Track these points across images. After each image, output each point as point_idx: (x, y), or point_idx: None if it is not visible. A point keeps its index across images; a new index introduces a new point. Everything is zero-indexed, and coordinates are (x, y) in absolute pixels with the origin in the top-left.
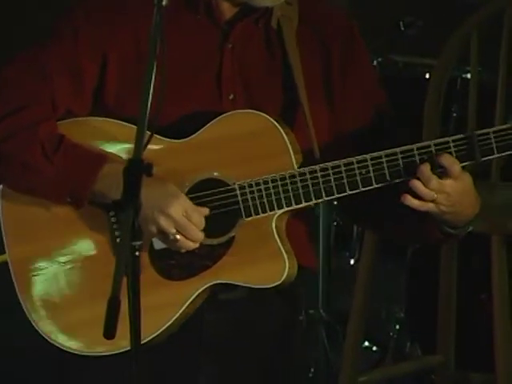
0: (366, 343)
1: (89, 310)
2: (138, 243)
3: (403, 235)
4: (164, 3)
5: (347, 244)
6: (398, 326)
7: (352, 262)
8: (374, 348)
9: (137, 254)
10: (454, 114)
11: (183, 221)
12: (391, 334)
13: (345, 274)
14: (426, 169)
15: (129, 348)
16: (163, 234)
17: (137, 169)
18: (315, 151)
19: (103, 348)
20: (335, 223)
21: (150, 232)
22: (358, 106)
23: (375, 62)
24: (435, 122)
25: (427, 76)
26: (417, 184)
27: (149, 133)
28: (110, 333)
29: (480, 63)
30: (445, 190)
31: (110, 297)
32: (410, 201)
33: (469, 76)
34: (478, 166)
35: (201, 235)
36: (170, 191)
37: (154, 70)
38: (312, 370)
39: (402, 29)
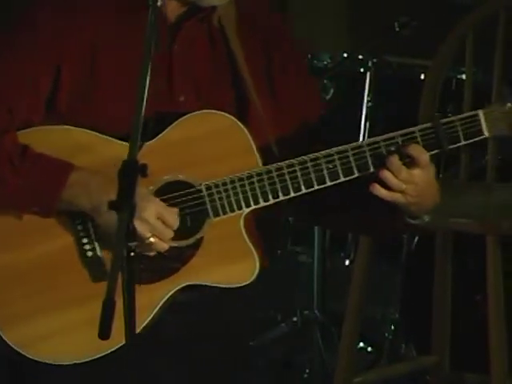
0: (361, 344)
1: (54, 318)
2: (134, 244)
3: (359, 227)
4: (159, 3)
5: (342, 245)
6: (393, 327)
7: (347, 262)
8: (369, 349)
9: (132, 254)
10: (449, 115)
11: (158, 224)
12: (386, 334)
13: (340, 274)
14: (395, 159)
15: (93, 357)
16: (138, 239)
17: (131, 170)
18: (273, 147)
19: (70, 357)
20: None
21: None
22: (298, 102)
23: (370, 63)
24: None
25: (422, 77)
26: (387, 174)
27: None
28: (105, 333)
29: (475, 64)
30: (413, 181)
31: (105, 298)
32: (379, 190)
33: (464, 77)
34: (446, 154)
35: (172, 235)
36: (140, 195)
37: (149, 70)
38: (307, 370)
39: (397, 29)
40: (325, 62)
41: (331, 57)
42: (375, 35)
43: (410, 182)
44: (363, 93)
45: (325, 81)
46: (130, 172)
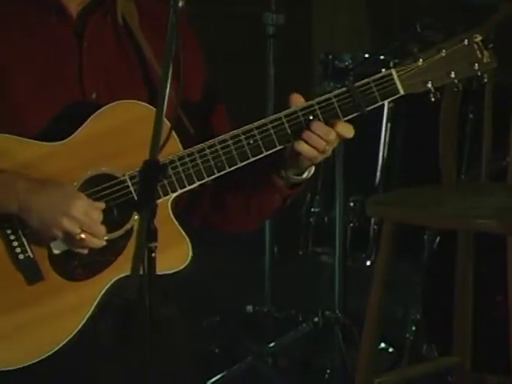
0: (383, 344)
1: None
2: (155, 244)
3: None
4: (180, 4)
5: (363, 245)
6: (414, 328)
7: (368, 263)
8: (391, 349)
9: (153, 255)
10: (471, 116)
11: (86, 219)
12: (407, 335)
13: (361, 275)
14: (322, 124)
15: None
16: (68, 236)
17: (153, 170)
18: (190, 129)
19: (10, 363)
20: (351, 225)
21: (53, 236)
22: (200, 75)
23: (391, 64)
24: (451, 124)
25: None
26: (314, 138)
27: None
28: None
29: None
30: (336, 141)
31: (129, 299)
32: (303, 146)
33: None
34: (366, 115)
35: (103, 230)
36: (66, 192)
37: (170, 72)
38: (328, 371)
39: (419, 30)
40: (346, 63)
41: (352, 57)
42: (397, 36)
43: (333, 142)
44: None
45: (346, 82)
46: (151, 172)
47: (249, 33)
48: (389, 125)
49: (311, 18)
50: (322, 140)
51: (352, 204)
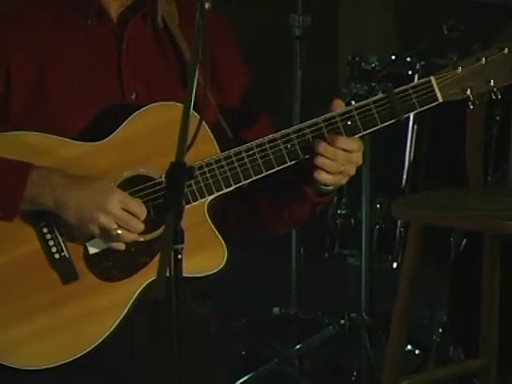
0: (409, 347)
1: (27, 325)
2: (181, 246)
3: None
4: (206, 6)
5: (390, 247)
6: (440, 330)
7: (395, 265)
8: (417, 351)
9: (179, 256)
10: (497, 118)
11: (123, 214)
12: (434, 337)
13: (387, 277)
14: (324, 145)
15: (69, 360)
16: (104, 232)
17: (179, 171)
18: (228, 132)
19: (45, 361)
20: (377, 227)
21: (90, 232)
22: (240, 79)
23: (418, 66)
24: (478, 126)
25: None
26: (323, 161)
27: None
28: None
29: None
30: (351, 160)
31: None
32: (323, 176)
33: None
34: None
35: (141, 225)
36: (101, 188)
37: (197, 74)
38: (354, 373)
39: (445, 32)
40: (373, 65)
41: (379, 59)
42: (423, 38)
43: (347, 161)
44: None
45: (373, 83)
46: (178, 173)
47: (275, 34)
48: (415, 127)
49: (337, 19)
50: (331, 162)
51: (378, 206)
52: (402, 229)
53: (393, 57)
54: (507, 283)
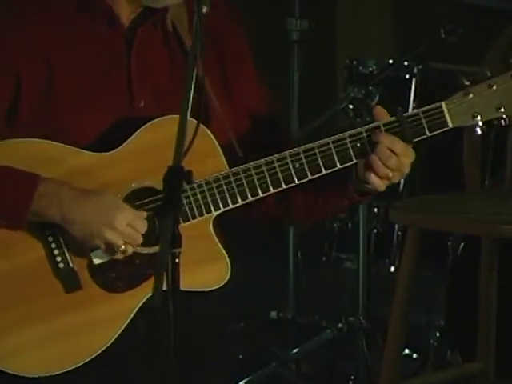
0: (407, 351)
1: (29, 331)
2: (178, 250)
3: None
4: (204, 10)
5: (387, 251)
6: (438, 334)
7: (392, 269)
8: (415, 355)
9: (177, 261)
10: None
11: (129, 231)
12: (431, 341)
13: (385, 281)
14: (384, 148)
15: (69, 368)
16: (110, 247)
17: (177, 176)
18: (237, 148)
19: (46, 369)
20: (375, 231)
21: (95, 247)
22: (253, 102)
23: (415, 70)
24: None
25: (467, 83)
26: (378, 163)
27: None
28: None
29: None
30: (401, 169)
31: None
32: (374, 179)
33: None
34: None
35: (141, 239)
36: (109, 203)
37: (194, 79)
38: (352, 377)
39: (443, 36)
40: (370, 69)
41: (376, 63)
42: (421, 42)
43: (397, 169)
44: (409, 99)
45: (370, 87)
46: (175, 178)
47: (273, 38)
48: None
49: (335, 23)
50: (383, 166)
51: (376, 210)
52: (399, 233)
53: (390, 61)
54: (504, 286)
